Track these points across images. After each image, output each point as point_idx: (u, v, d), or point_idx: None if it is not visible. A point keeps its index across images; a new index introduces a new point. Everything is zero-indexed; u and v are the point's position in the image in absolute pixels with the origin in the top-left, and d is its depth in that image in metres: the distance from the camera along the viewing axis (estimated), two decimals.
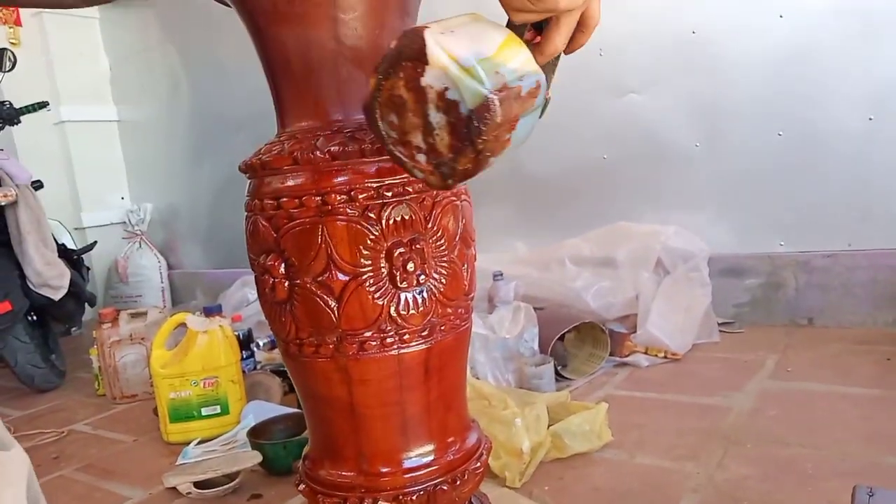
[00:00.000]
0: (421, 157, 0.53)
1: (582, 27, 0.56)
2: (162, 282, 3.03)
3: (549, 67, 0.59)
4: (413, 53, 0.49)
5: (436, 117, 0.50)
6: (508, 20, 0.55)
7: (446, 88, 0.49)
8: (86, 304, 2.14)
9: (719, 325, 1.68)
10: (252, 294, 2.22)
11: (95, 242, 2.45)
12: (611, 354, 1.54)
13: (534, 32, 0.56)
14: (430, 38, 0.48)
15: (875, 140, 1.54)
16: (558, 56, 0.59)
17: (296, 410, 1.30)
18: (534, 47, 0.55)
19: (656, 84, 1.79)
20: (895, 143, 1.52)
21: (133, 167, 3.22)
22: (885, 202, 1.55)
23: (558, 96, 2.06)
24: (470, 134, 0.49)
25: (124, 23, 3.07)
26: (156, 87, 2.97)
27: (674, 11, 1.72)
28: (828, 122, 1.58)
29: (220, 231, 2.90)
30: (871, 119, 1.53)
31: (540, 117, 0.62)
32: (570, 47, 0.58)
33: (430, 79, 0.49)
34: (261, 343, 1.85)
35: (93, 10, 3.13)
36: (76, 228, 2.98)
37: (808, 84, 1.59)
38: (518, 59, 0.51)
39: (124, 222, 3.11)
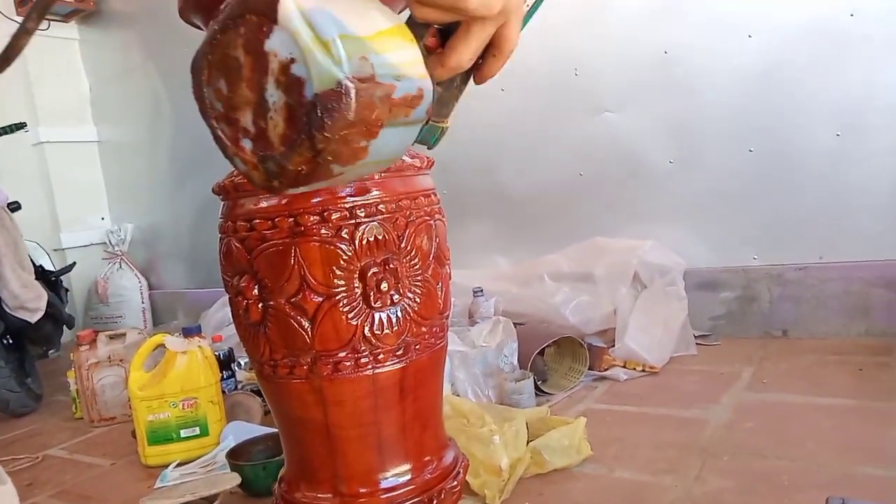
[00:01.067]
0: (246, 144, 0.43)
1: (495, 49, 0.48)
2: (143, 302, 3.00)
3: (452, 92, 0.51)
4: (261, 6, 0.38)
5: (273, 95, 0.40)
6: (410, 16, 0.45)
7: (293, 60, 0.38)
8: (64, 327, 2.12)
9: (696, 338, 1.70)
10: None
11: (74, 263, 2.43)
12: (590, 368, 1.55)
13: (438, 40, 0.47)
14: None
15: (843, 156, 1.58)
16: (465, 82, 0.51)
17: (276, 430, 1.29)
18: (435, 56, 0.46)
19: (631, 103, 1.83)
20: (862, 159, 1.56)
21: (113, 188, 3.21)
22: (855, 216, 1.58)
23: (536, 115, 2.10)
24: (310, 125, 0.38)
25: (105, 44, 3.07)
26: (137, 107, 2.97)
27: (646, 32, 1.76)
28: (797, 139, 1.62)
29: (201, 251, 2.89)
30: (838, 136, 1.57)
31: (432, 146, 0.53)
32: (483, 74, 0.51)
33: (275, 43, 0.39)
34: (242, 362, 1.84)
35: (72, 31, 3.12)
36: (55, 249, 2.94)
37: (777, 102, 1.63)
38: (400, 55, 0.41)
39: (104, 243, 3.09)
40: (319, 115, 0.38)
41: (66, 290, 2.27)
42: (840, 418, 1.18)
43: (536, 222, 2.03)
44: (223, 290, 0.74)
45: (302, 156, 0.39)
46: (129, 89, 2.98)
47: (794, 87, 1.61)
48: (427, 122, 0.48)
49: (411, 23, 0.45)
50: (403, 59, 0.42)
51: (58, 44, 3.04)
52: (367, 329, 0.67)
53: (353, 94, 0.38)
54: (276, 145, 0.40)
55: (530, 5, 0.52)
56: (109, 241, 3.06)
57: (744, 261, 1.73)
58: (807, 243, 1.64)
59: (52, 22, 3.00)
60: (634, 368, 1.55)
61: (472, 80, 0.51)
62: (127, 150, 3.10)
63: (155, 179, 3.03)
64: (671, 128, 1.78)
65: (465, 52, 0.46)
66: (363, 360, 0.67)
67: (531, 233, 2.04)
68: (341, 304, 0.66)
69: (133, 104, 2.98)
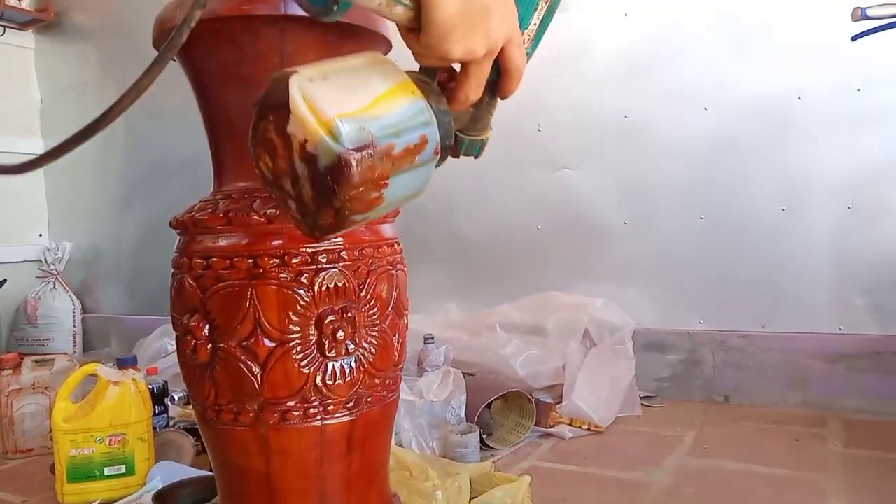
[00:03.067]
0: (291, 204, 0.50)
1: (504, 73, 0.54)
2: (74, 326, 2.85)
3: (483, 109, 0.58)
4: (279, 100, 0.46)
5: (300, 167, 0.47)
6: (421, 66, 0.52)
7: (306, 140, 0.46)
8: None
9: (641, 398, 1.71)
10: (171, 344, 2.13)
11: (5, 280, 2.31)
12: (536, 424, 1.54)
13: (449, 74, 0.54)
14: (294, 84, 0.45)
15: (787, 230, 1.65)
16: (493, 96, 0.57)
17: (207, 473, 1.23)
18: (447, 92, 0.53)
19: (589, 162, 1.88)
20: (805, 234, 1.63)
21: (56, 204, 3.08)
22: (796, 288, 1.65)
23: (498, 166, 2.12)
24: (326, 192, 0.46)
25: (61, 55, 2.99)
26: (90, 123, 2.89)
27: (609, 96, 1.83)
28: (745, 211, 1.69)
29: (143, 276, 2.78)
30: (783, 210, 1.65)
31: (478, 156, 0.61)
32: (502, 93, 0.56)
33: (293, 126, 0.46)
34: (176, 397, 1.76)
35: (28, 40, 3.03)
36: None
37: (728, 174, 1.70)
38: (399, 113, 0.48)
39: (39, 260, 2.94)
40: (330, 183, 0.45)
41: None
42: (776, 487, 1.20)
43: (491, 272, 2.04)
44: (162, 318, 0.71)
45: (327, 213, 0.48)
46: (83, 104, 2.90)
47: (744, 161, 1.68)
48: (468, 138, 0.58)
49: (422, 66, 0.52)
50: (402, 116, 0.48)
51: (11, 51, 2.95)
52: (318, 378, 0.65)
53: (353, 164, 0.45)
54: (309, 205, 0.49)
55: (538, 24, 0.58)
56: (45, 258, 2.92)
57: (690, 324, 1.77)
58: (750, 312, 1.70)
59: (7, 28, 2.92)
60: (580, 426, 1.55)
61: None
62: (74, 166, 2.98)
63: (101, 199, 2.92)
64: (627, 190, 1.83)
65: (469, 89, 0.52)
66: (312, 411, 0.65)
67: (485, 282, 2.04)
68: (294, 351, 0.64)
69: (86, 119, 2.85)
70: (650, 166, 1.79)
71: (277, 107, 0.46)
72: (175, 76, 0.75)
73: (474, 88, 0.52)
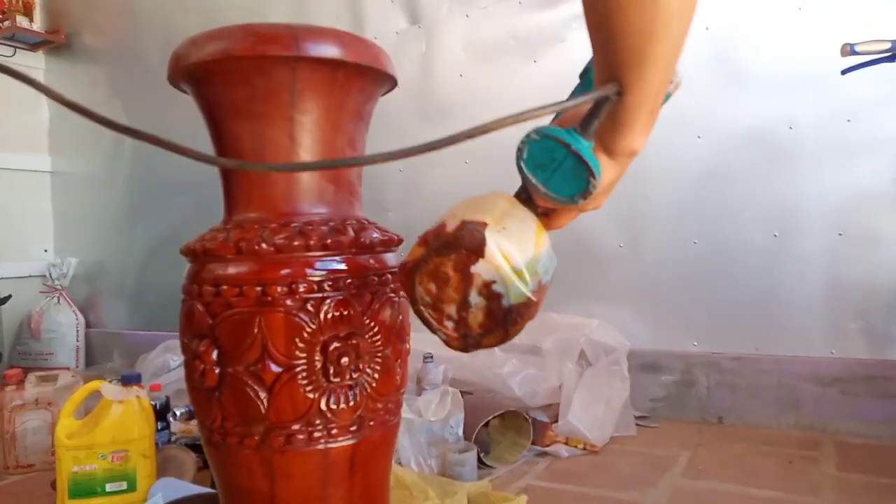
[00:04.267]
0: (449, 324, 0.59)
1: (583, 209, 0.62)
2: (77, 340, 2.87)
3: None
4: (472, 246, 0.55)
5: (475, 299, 0.56)
6: (528, 197, 0.59)
7: (494, 281, 0.55)
8: None
9: (636, 418, 1.74)
10: (174, 360, 2.15)
11: (10, 296, 2.33)
12: (533, 443, 1.56)
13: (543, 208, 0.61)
14: (490, 238, 0.55)
15: (779, 256, 1.68)
16: None
17: (209, 490, 1.25)
18: (541, 219, 0.61)
19: None
20: (796, 260, 1.66)
21: (61, 220, 3.11)
22: (788, 312, 1.68)
23: (497, 188, 2.15)
24: (506, 323, 0.56)
25: (71, 76, 3.04)
26: (97, 142, 2.93)
27: None
28: (738, 236, 1.72)
29: (147, 292, 2.81)
30: (775, 236, 1.68)
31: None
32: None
33: (480, 269, 0.55)
34: (178, 413, 1.77)
35: (38, 61, 3.09)
36: None
37: (722, 200, 1.74)
38: (548, 255, 0.59)
39: (44, 275, 2.97)
40: (514, 317, 0.56)
41: None
42: None
43: None
44: (164, 333, 0.73)
45: (496, 337, 0.58)
46: (91, 124, 2.88)
47: (737, 188, 1.72)
48: None
49: (530, 201, 0.60)
50: (549, 258, 0.59)
51: (22, 71, 2.99)
52: (323, 403, 0.67)
53: (536, 304, 0.56)
54: (474, 329, 0.58)
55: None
56: (50, 274, 2.95)
57: (684, 346, 1.80)
58: (743, 334, 1.73)
59: (18, 49, 2.96)
60: (576, 446, 1.57)
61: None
62: (80, 183, 3.03)
63: (106, 216, 2.96)
64: (624, 214, 1.86)
65: (566, 222, 0.63)
66: (317, 434, 0.67)
67: None
68: (300, 377, 0.66)
69: (93, 138, 2.93)
70: (645, 192, 1.82)
71: (467, 250, 0.55)
72: (181, 97, 0.78)
73: (567, 223, 0.63)
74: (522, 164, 0.56)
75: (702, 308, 1.77)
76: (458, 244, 0.56)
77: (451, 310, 0.58)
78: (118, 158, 2.89)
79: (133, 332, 2.83)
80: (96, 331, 2.96)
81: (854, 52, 1.25)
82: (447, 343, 0.60)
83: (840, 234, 1.62)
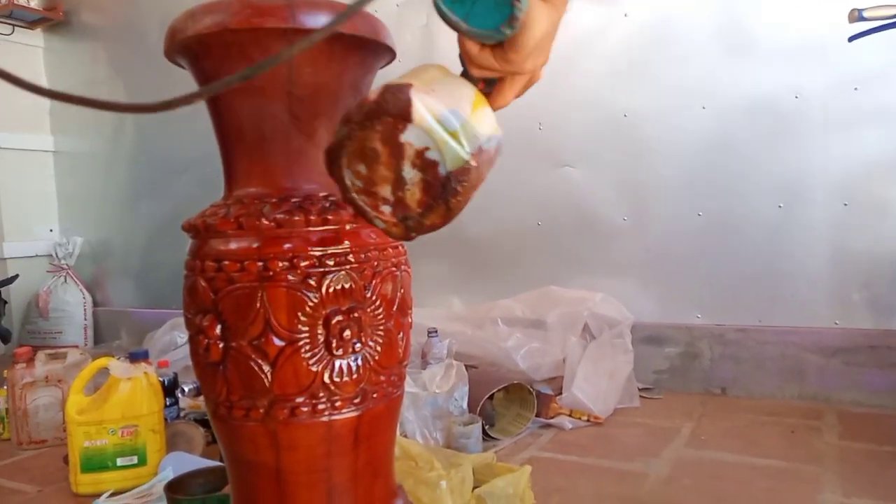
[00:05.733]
0: (386, 209, 0.54)
1: (528, 84, 0.59)
2: (85, 319, 2.90)
3: None
4: (397, 110, 0.49)
5: (410, 173, 0.51)
6: (464, 70, 0.55)
7: (427, 148, 0.50)
8: None
9: (640, 390, 1.75)
10: (181, 337, 2.17)
11: (17, 276, 2.34)
12: (537, 415, 1.58)
13: (484, 83, 0.57)
14: (415, 97, 0.49)
15: (783, 228, 1.67)
16: None
17: (217, 464, 1.27)
18: (484, 96, 0.56)
19: (590, 159, 1.90)
20: (801, 231, 1.66)
21: (66, 199, 3.12)
22: (792, 284, 1.68)
23: (500, 163, 2.14)
24: (445, 194, 0.51)
25: (71, 54, 3.02)
26: (99, 121, 2.91)
27: (608, 95, 1.85)
28: (743, 208, 1.71)
29: (152, 270, 2.82)
30: (780, 207, 1.67)
31: None
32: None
33: (411, 136, 0.50)
34: (186, 389, 1.80)
35: (37, 39, 3.06)
36: None
37: (726, 171, 1.73)
38: (487, 122, 0.53)
39: (51, 255, 2.98)
40: (453, 186, 0.51)
41: (5, 303, 2.19)
42: (772, 479, 1.23)
43: (493, 266, 2.07)
44: (171, 311, 0.74)
45: (437, 213, 0.53)
46: None
47: (742, 159, 1.71)
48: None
49: (466, 75, 0.55)
50: (490, 124, 0.53)
51: (20, 49, 2.98)
52: (326, 376, 0.68)
53: (475, 168, 0.51)
54: (413, 208, 0.53)
55: None
56: (56, 253, 2.96)
57: (688, 318, 1.80)
58: (747, 306, 1.73)
59: (16, 27, 2.94)
60: (580, 418, 1.58)
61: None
62: (83, 162, 3.03)
63: (110, 195, 2.96)
64: (626, 187, 1.85)
65: (510, 96, 0.57)
66: (320, 407, 0.68)
67: (487, 276, 2.07)
68: (303, 350, 0.67)
69: (94, 117, 2.92)
70: (649, 164, 1.81)
71: (392, 116, 0.49)
72: (181, 76, 0.77)
73: (516, 95, 0.57)
74: (438, 2, 0.50)
75: (706, 280, 1.77)
76: (381, 111, 0.50)
77: (386, 191, 0.53)
78: (120, 137, 2.88)
79: (140, 310, 2.85)
80: (103, 309, 2.99)
81: (862, 18, 1.22)
82: (388, 232, 0.55)
83: (845, 205, 1.61)
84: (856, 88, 1.58)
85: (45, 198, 3.09)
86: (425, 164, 0.51)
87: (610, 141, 1.86)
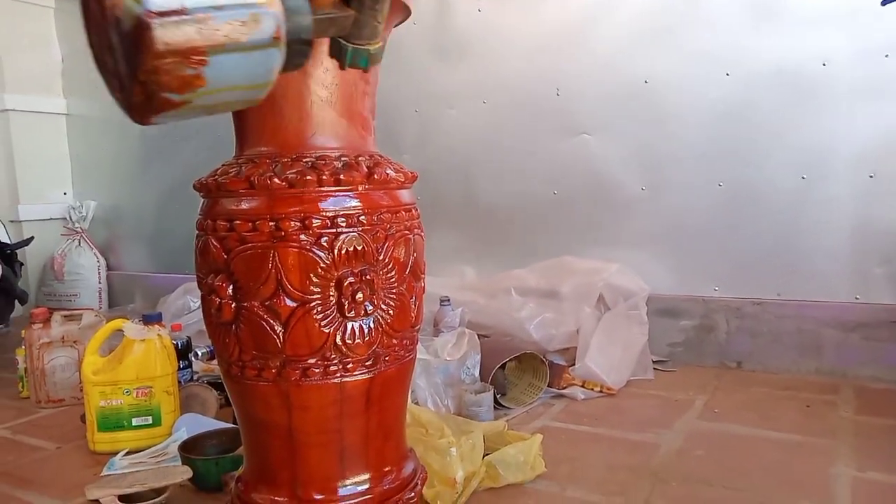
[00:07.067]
0: (115, 82, 0.48)
1: None
2: (100, 282, 2.93)
3: (367, 14, 0.56)
4: None
5: (114, 37, 0.44)
6: None
7: (115, 4, 0.43)
8: (16, 302, 2.06)
9: (654, 362, 1.74)
10: (194, 302, 2.18)
11: (32, 238, 2.36)
12: (549, 385, 1.57)
13: None
14: None
15: (806, 199, 1.63)
16: (377, 2, 0.55)
17: (230, 426, 1.28)
18: None
19: (607, 127, 1.86)
20: (823, 203, 1.62)
21: (79, 163, 3.12)
22: (812, 257, 1.64)
23: (516, 131, 2.11)
24: (128, 59, 0.43)
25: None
26: None
27: (628, 60, 1.80)
28: (765, 178, 1.67)
29: (165, 235, 2.83)
30: (803, 178, 1.63)
31: (365, 69, 0.60)
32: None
33: None
34: (199, 352, 1.81)
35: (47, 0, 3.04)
36: (12, 221, 2.85)
37: (749, 140, 1.68)
38: None
39: (65, 218, 3.00)
40: (132, 50, 0.42)
41: (21, 265, 2.20)
42: (786, 453, 1.22)
43: (507, 236, 2.05)
44: (184, 275, 0.73)
45: (135, 88, 0.43)
46: None
47: (765, 128, 1.66)
48: (351, 47, 0.57)
49: None
50: None
51: (32, 10, 2.95)
52: (338, 337, 0.67)
53: (153, 28, 0.41)
54: (124, 80, 0.44)
55: None
56: (70, 217, 2.98)
57: (704, 291, 1.77)
58: (765, 279, 1.70)
59: None
60: (592, 389, 1.57)
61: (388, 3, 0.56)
62: (96, 125, 3.02)
63: (122, 159, 2.96)
64: (645, 155, 1.82)
65: None
66: (332, 368, 0.68)
67: (501, 246, 2.06)
68: (315, 311, 0.66)
69: None
70: (669, 132, 1.77)
71: None
72: None
73: None
74: None
75: (724, 252, 1.74)
76: None
77: (109, 60, 0.45)
78: None
79: (153, 274, 2.87)
80: (117, 273, 3.01)
81: None
82: (125, 112, 0.48)
83: (871, 177, 1.57)
84: (886, 55, 1.52)
85: (58, 161, 3.09)
86: (113, 22, 0.43)
87: (629, 108, 1.82)
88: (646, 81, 1.78)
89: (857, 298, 1.61)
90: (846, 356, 1.62)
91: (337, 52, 0.61)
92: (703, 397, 1.53)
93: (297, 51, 0.52)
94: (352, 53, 0.59)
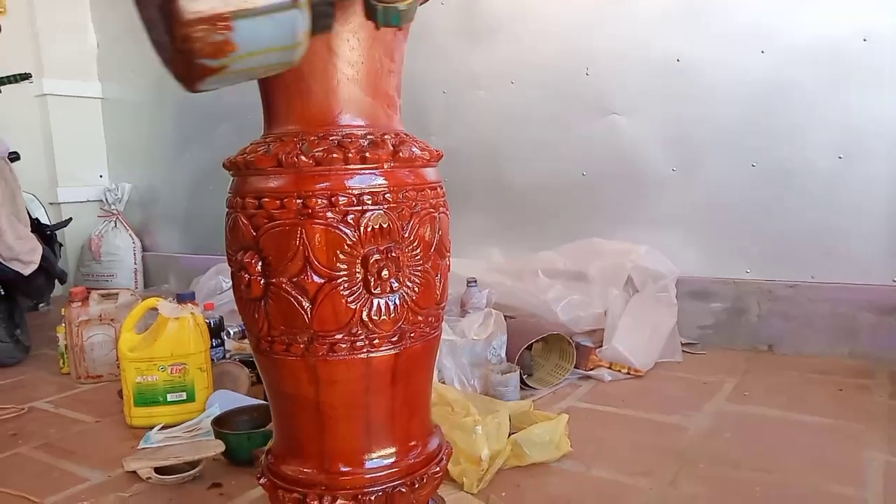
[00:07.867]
0: (165, 55, 0.50)
1: None
2: (135, 263, 3.00)
3: None
4: None
5: (155, 12, 0.47)
6: None
7: None
8: (56, 281, 2.12)
9: (683, 345, 1.72)
10: (226, 282, 2.22)
11: (70, 219, 2.43)
12: (576, 367, 1.57)
13: None
14: None
15: (842, 180, 1.59)
16: None
17: (261, 402, 1.31)
18: None
19: (638, 107, 1.83)
20: (860, 184, 1.58)
21: (114, 146, 3.19)
22: (847, 240, 1.61)
23: (544, 111, 2.09)
24: (165, 30, 0.46)
25: (116, 0, 3.04)
26: (144, 68, 2.94)
27: (661, 39, 1.77)
28: (800, 159, 1.63)
29: (197, 217, 2.89)
30: (840, 158, 1.59)
31: (398, 26, 0.60)
32: None
33: None
34: (231, 332, 1.85)
35: None
36: (51, 203, 2.94)
37: (784, 120, 1.64)
38: None
39: (101, 200, 3.08)
40: (167, 21, 0.45)
41: (61, 245, 2.27)
42: (817, 436, 1.21)
43: (535, 217, 2.04)
44: (216, 257, 0.75)
45: (177, 57, 0.46)
46: (138, 49, 2.94)
47: (801, 107, 1.62)
48: (381, 6, 0.59)
49: None
50: None
51: None
52: (364, 314, 0.68)
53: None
54: (169, 53, 0.47)
55: None
56: (106, 199, 3.06)
57: (736, 273, 1.75)
58: (799, 262, 1.66)
59: None
60: (620, 370, 1.57)
61: None
62: (130, 109, 3.08)
63: (156, 142, 3.02)
64: (676, 135, 1.79)
65: None
66: (359, 344, 0.69)
67: (529, 227, 2.05)
68: (342, 288, 0.67)
69: (140, 64, 2.95)
70: (702, 112, 1.74)
71: None
72: None
73: None
74: None
75: (756, 234, 1.71)
76: None
77: (157, 34, 0.48)
78: (165, 85, 2.90)
79: (186, 255, 2.93)
80: (152, 254, 3.08)
81: None
82: (180, 84, 0.50)
83: None
84: None
85: (94, 144, 3.16)
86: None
87: (661, 88, 1.78)
88: (678, 60, 1.75)
89: (893, 281, 1.57)
90: (881, 340, 1.58)
91: (370, 13, 0.64)
92: (733, 380, 1.52)
93: (323, 12, 0.54)
94: (382, 12, 0.61)
